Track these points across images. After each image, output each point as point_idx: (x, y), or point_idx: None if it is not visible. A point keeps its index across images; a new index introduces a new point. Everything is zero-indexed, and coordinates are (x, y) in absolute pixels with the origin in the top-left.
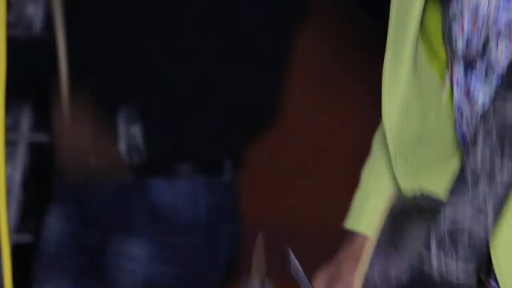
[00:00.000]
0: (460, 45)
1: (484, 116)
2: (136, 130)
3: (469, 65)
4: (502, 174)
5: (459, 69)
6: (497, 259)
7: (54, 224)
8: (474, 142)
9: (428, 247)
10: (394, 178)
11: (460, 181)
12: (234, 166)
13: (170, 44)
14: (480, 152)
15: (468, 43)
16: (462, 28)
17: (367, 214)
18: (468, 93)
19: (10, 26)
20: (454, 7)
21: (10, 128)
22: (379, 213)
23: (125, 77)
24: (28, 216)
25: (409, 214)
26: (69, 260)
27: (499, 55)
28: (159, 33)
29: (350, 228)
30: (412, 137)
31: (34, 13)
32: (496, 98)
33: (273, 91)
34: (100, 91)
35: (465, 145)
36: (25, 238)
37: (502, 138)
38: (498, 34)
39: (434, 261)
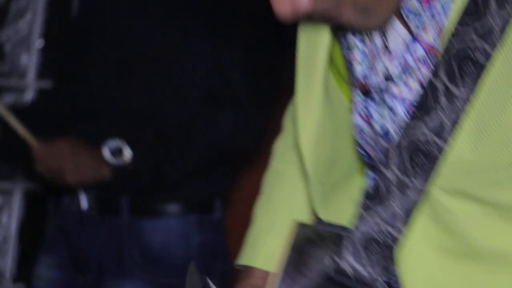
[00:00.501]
0: (356, 74)
1: (394, 136)
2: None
3: (366, 94)
4: (412, 191)
5: (358, 95)
6: (401, 265)
7: (44, 273)
8: (386, 161)
9: (341, 257)
10: (293, 208)
11: (370, 197)
12: (223, 204)
13: (159, 88)
14: (392, 170)
15: (365, 76)
16: (357, 60)
17: (265, 250)
18: (367, 116)
19: (4, 75)
20: (350, 38)
21: (6, 178)
22: (278, 247)
23: (114, 121)
24: (24, 264)
25: (312, 242)
26: None
27: (402, 89)
28: (150, 77)
29: (246, 264)
30: (327, 160)
31: (28, 62)
32: (408, 122)
33: (256, 131)
34: (88, 132)
35: (371, 163)
36: (22, 286)
37: (413, 158)
38: (404, 71)
39: (347, 268)
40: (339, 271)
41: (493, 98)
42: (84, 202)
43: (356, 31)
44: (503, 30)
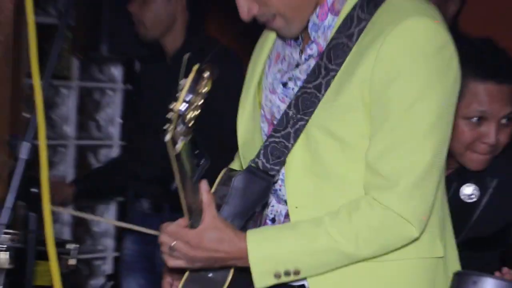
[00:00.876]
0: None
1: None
2: None
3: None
4: (299, 125)
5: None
6: (286, 171)
7: (129, 245)
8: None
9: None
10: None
11: (276, 130)
12: None
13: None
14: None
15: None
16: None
17: None
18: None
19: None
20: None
21: None
22: None
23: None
24: None
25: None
26: None
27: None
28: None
29: None
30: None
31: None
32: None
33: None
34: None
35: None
36: None
37: (299, 104)
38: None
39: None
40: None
41: (349, 69)
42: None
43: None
44: (359, 33)
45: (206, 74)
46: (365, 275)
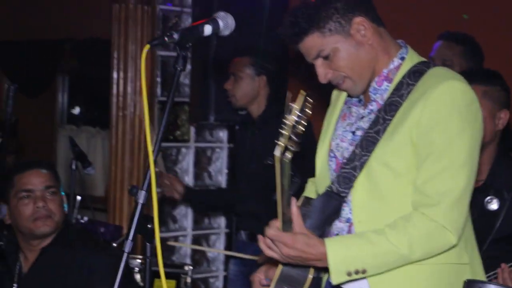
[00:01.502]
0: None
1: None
2: None
3: None
4: (362, 159)
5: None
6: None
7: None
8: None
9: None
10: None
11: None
12: None
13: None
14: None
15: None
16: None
17: None
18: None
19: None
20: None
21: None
22: None
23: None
24: None
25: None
26: None
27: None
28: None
29: None
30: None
31: None
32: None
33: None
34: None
35: None
36: None
37: (363, 144)
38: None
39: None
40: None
41: (400, 118)
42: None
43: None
44: (407, 94)
45: (310, 100)
46: (408, 275)
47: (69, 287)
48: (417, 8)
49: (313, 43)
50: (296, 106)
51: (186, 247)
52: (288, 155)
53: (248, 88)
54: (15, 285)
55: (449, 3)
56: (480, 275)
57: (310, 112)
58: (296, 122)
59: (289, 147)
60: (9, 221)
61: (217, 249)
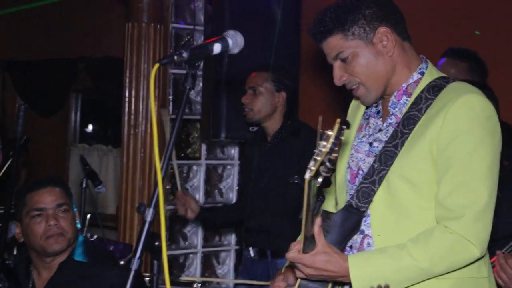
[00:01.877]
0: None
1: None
2: None
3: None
4: (381, 174)
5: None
6: (371, 209)
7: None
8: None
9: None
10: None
11: (365, 177)
12: None
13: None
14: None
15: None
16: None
17: None
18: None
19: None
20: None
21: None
22: None
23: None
24: None
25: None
26: None
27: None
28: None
29: None
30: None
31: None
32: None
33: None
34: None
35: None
36: None
37: (382, 158)
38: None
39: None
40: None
41: (418, 132)
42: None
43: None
44: (426, 108)
45: (345, 127)
46: (432, 285)
47: None
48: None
49: (335, 44)
50: (332, 134)
51: (197, 280)
52: (320, 179)
53: (268, 103)
54: None
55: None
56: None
57: (343, 138)
58: (331, 149)
59: (321, 172)
60: (21, 240)
61: (227, 279)
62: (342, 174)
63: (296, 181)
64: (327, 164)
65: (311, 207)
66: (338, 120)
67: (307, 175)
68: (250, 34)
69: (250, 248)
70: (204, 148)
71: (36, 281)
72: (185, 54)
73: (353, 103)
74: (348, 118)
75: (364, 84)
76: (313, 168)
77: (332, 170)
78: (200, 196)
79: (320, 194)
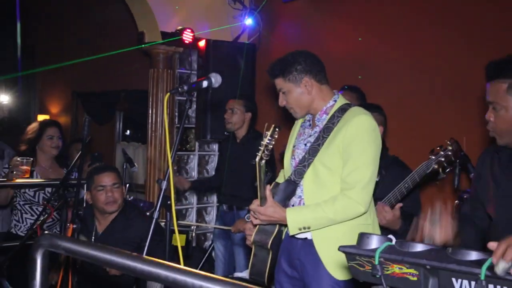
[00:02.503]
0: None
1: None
2: None
3: None
4: (310, 160)
5: None
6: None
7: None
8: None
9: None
10: None
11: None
12: None
13: None
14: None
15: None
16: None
17: None
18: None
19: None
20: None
21: None
22: None
23: None
24: None
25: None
26: None
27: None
28: None
29: None
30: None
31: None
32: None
33: None
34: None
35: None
36: None
37: (311, 150)
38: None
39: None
40: (290, 179)
41: (332, 137)
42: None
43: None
44: (337, 122)
45: (277, 130)
46: (335, 229)
47: (127, 239)
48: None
49: (278, 83)
50: (268, 134)
51: (193, 224)
52: (263, 161)
53: (240, 119)
54: (93, 238)
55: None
56: (377, 231)
57: (277, 137)
58: (268, 143)
59: (264, 157)
60: (90, 202)
61: (208, 225)
62: (288, 161)
63: (253, 163)
64: (266, 152)
65: (262, 178)
66: (273, 126)
67: (257, 159)
68: (225, 75)
69: (224, 205)
70: (197, 144)
71: (97, 226)
72: (185, 87)
73: (297, 120)
74: (293, 129)
75: (294, 109)
76: (259, 154)
77: (270, 156)
78: (194, 173)
79: (268, 170)
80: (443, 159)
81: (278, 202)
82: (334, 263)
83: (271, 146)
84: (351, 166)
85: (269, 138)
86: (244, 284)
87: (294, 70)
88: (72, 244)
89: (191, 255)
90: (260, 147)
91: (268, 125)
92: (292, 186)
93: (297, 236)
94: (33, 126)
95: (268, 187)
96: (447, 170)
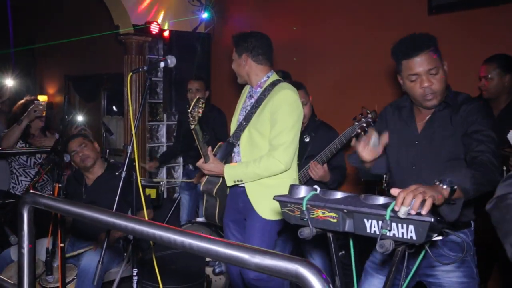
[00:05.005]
0: None
1: None
2: None
3: None
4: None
5: None
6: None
7: None
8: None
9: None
10: None
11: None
12: None
13: None
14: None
15: None
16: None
17: None
18: None
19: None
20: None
21: None
22: None
23: None
24: None
25: None
26: None
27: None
28: None
29: None
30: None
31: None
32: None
33: None
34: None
35: None
36: None
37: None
38: None
39: None
40: (230, 140)
41: (263, 106)
42: (191, 166)
43: None
44: (268, 94)
45: (201, 100)
46: (264, 182)
47: (112, 187)
48: None
49: (232, 53)
50: (191, 105)
51: (163, 180)
52: (197, 126)
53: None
54: (83, 190)
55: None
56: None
57: (201, 106)
58: (192, 111)
59: (192, 123)
60: (73, 164)
61: (176, 179)
62: (233, 125)
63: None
64: (191, 119)
65: (200, 140)
66: (197, 97)
67: (191, 125)
68: (185, 59)
69: (190, 165)
70: (165, 116)
71: (86, 180)
72: (145, 68)
73: (244, 90)
74: (239, 99)
75: (237, 74)
76: (190, 120)
77: (197, 122)
78: (164, 139)
79: (206, 134)
80: (364, 125)
81: (219, 159)
82: (261, 207)
83: (196, 114)
84: (276, 131)
85: (193, 107)
86: (176, 228)
87: (240, 46)
88: (50, 201)
89: (162, 205)
90: (189, 116)
91: (197, 99)
92: (230, 146)
93: (239, 186)
94: (19, 103)
95: (210, 148)
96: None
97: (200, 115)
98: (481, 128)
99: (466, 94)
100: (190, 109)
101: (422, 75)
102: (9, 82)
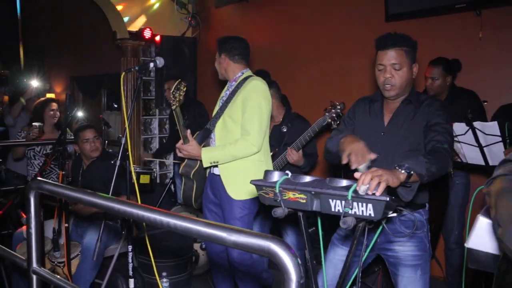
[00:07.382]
0: None
1: None
2: None
3: None
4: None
5: None
6: None
7: None
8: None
9: None
10: None
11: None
12: None
13: None
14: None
15: None
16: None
17: None
18: None
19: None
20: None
21: None
22: None
23: None
24: None
25: None
26: None
27: None
28: None
29: None
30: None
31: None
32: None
33: None
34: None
35: None
36: None
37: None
38: None
39: None
40: (208, 127)
41: (236, 96)
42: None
43: None
44: (240, 87)
45: (183, 83)
46: (237, 164)
47: (102, 175)
48: None
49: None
50: (173, 87)
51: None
52: (178, 108)
53: (186, 95)
54: (80, 173)
55: None
56: (269, 166)
57: (183, 88)
58: (173, 94)
59: (174, 104)
60: (78, 152)
61: (168, 161)
62: (214, 115)
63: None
64: (172, 99)
65: (180, 122)
66: (179, 80)
67: (173, 107)
68: (174, 61)
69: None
70: (157, 111)
71: (84, 165)
72: (136, 68)
73: (225, 87)
74: (221, 93)
75: (218, 71)
76: (171, 102)
77: (178, 104)
78: (156, 131)
79: (186, 118)
80: (334, 115)
81: (197, 142)
82: (232, 189)
83: (177, 95)
84: (247, 116)
85: (174, 89)
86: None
87: (221, 47)
88: (53, 187)
89: (154, 189)
90: (171, 98)
91: (179, 81)
92: (207, 132)
93: (215, 173)
94: (39, 100)
95: (189, 131)
96: (337, 122)
97: (181, 98)
98: (440, 121)
99: (428, 95)
100: (172, 90)
101: (387, 66)
102: (34, 83)
